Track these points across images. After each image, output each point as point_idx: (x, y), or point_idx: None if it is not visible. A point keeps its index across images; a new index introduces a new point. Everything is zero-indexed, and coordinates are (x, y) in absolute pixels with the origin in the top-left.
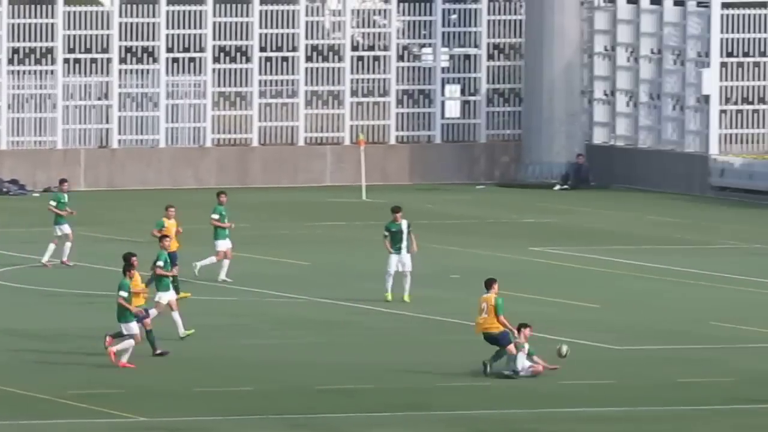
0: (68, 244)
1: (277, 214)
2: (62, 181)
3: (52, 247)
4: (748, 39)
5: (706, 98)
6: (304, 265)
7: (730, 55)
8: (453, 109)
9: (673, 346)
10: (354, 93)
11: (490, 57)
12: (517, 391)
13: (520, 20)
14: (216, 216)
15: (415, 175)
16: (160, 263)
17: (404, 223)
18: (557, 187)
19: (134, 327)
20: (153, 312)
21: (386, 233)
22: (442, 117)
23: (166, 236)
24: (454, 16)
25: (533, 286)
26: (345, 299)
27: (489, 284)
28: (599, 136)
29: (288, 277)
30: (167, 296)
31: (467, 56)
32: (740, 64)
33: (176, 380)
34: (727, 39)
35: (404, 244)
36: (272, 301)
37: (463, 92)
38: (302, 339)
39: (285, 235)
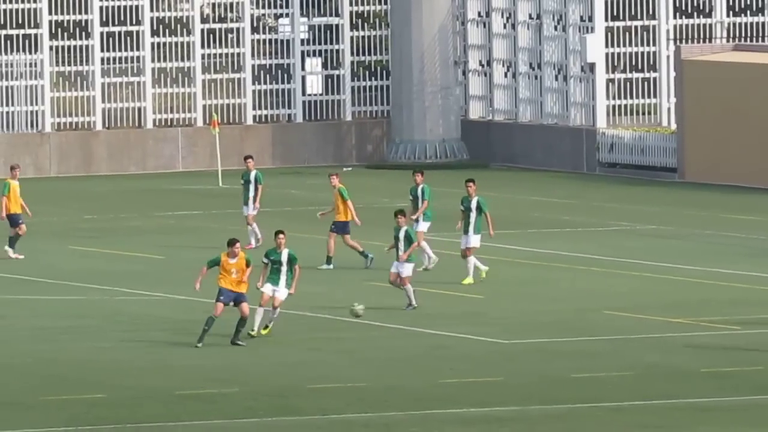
0: None
1: (126, 204)
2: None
3: None
4: (635, 0)
5: (591, 66)
6: (157, 260)
7: (615, 18)
8: (315, 85)
9: (564, 339)
10: (206, 69)
11: (354, 26)
12: (396, 391)
13: None
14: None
15: (276, 157)
16: None
17: (403, 230)
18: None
19: None
20: None
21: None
22: (304, 93)
23: None
24: None
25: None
26: (203, 296)
27: None
28: (475, 111)
29: (140, 272)
30: None
31: (328, 26)
32: (627, 29)
33: (19, 389)
34: (611, 1)
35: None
36: (124, 299)
37: (325, 66)
38: (158, 339)
39: (135, 226)
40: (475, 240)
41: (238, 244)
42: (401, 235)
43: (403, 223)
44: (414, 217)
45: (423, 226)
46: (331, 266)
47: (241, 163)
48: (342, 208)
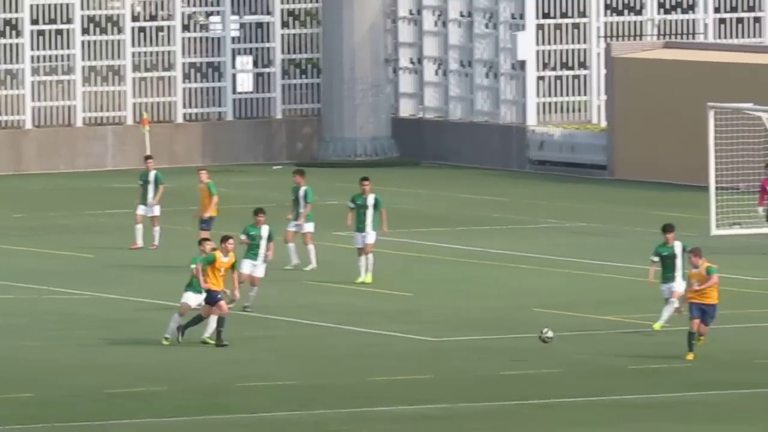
0: None
1: (55, 203)
2: None
3: None
4: None
5: (522, 64)
6: (86, 258)
7: (546, 16)
8: (245, 83)
9: (494, 336)
10: (136, 67)
11: (285, 24)
12: (325, 389)
13: None
14: None
15: (206, 156)
16: None
17: (265, 229)
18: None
19: None
20: None
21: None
22: (234, 92)
23: None
24: None
25: (342, 275)
26: (132, 294)
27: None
28: (406, 109)
29: (69, 271)
30: None
31: (259, 24)
32: (558, 26)
33: None
34: None
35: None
36: (53, 297)
37: (255, 64)
38: (87, 338)
39: (65, 225)
40: (372, 237)
41: (231, 240)
42: (263, 233)
43: (263, 221)
44: (299, 222)
45: (309, 227)
46: None
47: (172, 161)
48: (207, 203)
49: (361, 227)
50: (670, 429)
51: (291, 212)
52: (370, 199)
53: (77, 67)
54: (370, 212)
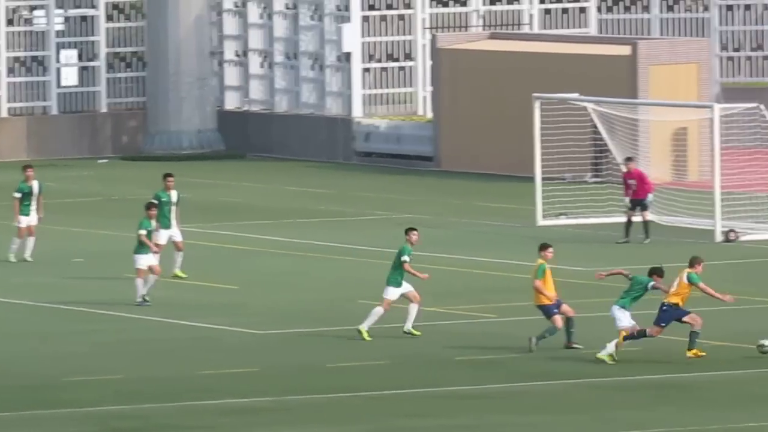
0: None
1: None
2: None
3: None
4: None
5: (347, 56)
6: None
7: (372, 8)
8: (70, 77)
9: (320, 329)
10: None
11: (109, 18)
12: (152, 383)
13: None
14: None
15: (31, 150)
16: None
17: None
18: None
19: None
20: None
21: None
22: (59, 86)
23: None
24: None
25: (167, 268)
26: None
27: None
28: (232, 101)
29: None
30: None
31: (84, 18)
32: (383, 18)
33: None
34: None
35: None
36: None
37: (80, 58)
38: None
39: None
40: (180, 234)
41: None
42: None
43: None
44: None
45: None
46: None
47: None
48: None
49: (166, 224)
50: (500, 420)
51: (155, 217)
52: (174, 196)
53: None
54: (174, 209)
